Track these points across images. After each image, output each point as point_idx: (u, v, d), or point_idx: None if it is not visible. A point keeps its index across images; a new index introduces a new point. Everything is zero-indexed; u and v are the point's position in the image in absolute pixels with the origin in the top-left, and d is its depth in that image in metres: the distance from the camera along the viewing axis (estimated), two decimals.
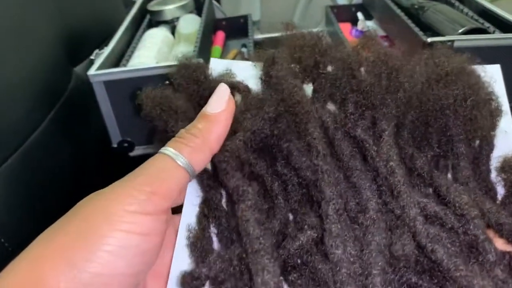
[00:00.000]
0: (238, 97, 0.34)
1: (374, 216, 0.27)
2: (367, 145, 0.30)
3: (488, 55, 0.53)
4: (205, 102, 0.33)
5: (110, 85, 0.55)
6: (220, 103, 0.30)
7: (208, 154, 0.29)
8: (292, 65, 0.33)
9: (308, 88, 0.34)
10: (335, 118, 0.32)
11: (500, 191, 0.32)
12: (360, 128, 0.31)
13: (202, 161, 0.29)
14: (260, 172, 0.31)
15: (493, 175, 0.33)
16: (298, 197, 0.30)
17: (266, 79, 0.34)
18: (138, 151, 0.61)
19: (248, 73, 0.36)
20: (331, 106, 0.34)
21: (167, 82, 0.53)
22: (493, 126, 0.33)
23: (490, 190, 0.32)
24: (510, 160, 0.32)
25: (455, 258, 0.25)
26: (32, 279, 0.22)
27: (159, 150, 0.28)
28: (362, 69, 0.32)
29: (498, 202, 0.32)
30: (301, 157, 0.30)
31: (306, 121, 0.30)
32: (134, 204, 0.24)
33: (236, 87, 0.34)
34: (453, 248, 0.26)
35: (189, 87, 0.33)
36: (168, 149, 0.28)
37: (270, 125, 0.31)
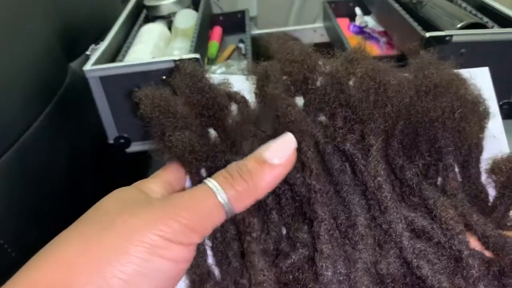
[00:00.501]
0: (235, 107, 0.34)
1: (363, 231, 0.28)
2: (356, 159, 0.31)
3: (486, 50, 0.53)
4: (207, 111, 0.32)
5: (106, 81, 0.55)
6: (283, 154, 0.28)
7: (252, 202, 0.28)
8: (284, 78, 0.34)
9: (300, 101, 0.34)
10: (325, 132, 0.32)
11: (491, 192, 0.32)
12: (349, 142, 0.31)
13: (244, 206, 0.27)
14: None
15: (484, 177, 0.33)
16: (291, 211, 0.31)
17: (261, 94, 0.34)
18: (134, 147, 0.61)
19: (242, 86, 0.36)
20: (322, 118, 0.34)
21: (163, 77, 0.53)
22: (481, 129, 0.33)
23: (481, 193, 0.32)
24: (499, 162, 0.32)
25: (439, 275, 0.25)
26: (62, 285, 0.23)
27: (205, 181, 0.27)
28: (351, 82, 0.32)
29: (489, 203, 0.32)
30: (295, 173, 0.30)
31: (300, 140, 0.30)
32: (169, 233, 0.24)
33: (233, 97, 0.34)
34: (438, 264, 0.26)
35: (193, 96, 0.33)
36: (214, 184, 0.27)
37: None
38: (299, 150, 0.29)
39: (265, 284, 0.26)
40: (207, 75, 0.34)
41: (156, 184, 0.30)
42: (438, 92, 0.32)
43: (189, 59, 0.52)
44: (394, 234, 0.27)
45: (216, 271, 0.30)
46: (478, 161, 0.33)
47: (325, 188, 0.29)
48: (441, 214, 0.28)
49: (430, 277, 0.25)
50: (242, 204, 0.27)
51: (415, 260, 0.26)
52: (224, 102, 0.33)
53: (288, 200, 0.31)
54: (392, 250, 0.27)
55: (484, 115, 0.33)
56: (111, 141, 0.60)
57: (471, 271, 0.25)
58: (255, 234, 0.28)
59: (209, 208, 0.26)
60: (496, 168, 0.32)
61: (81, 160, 0.61)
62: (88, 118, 0.62)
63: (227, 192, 0.26)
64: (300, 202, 0.31)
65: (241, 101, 0.34)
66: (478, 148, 0.33)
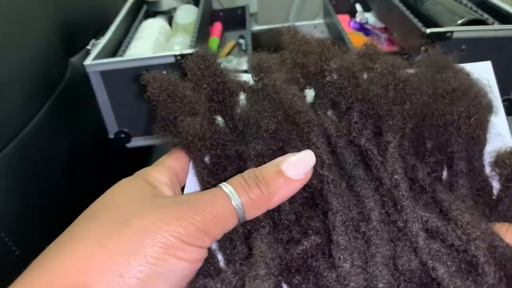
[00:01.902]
0: (243, 96, 0.34)
1: (378, 226, 0.27)
2: (372, 155, 0.30)
3: (486, 46, 0.53)
4: (217, 96, 0.32)
5: (107, 75, 0.55)
6: (301, 170, 0.27)
7: (264, 211, 0.27)
8: (294, 70, 0.33)
9: (309, 93, 0.34)
10: (337, 126, 0.32)
11: (495, 185, 0.32)
12: (364, 137, 0.31)
13: (255, 215, 0.27)
14: None
15: (487, 170, 0.33)
16: (301, 200, 0.30)
17: (262, 88, 0.33)
18: (135, 142, 0.61)
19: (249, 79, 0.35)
20: (330, 113, 0.33)
21: (164, 72, 0.53)
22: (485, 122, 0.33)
23: (485, 186, 0.32)
24: (503, 155, 0.32)
25: (456, 279, 0.25)
26: (79, 285, 0.22)
27: (221, 185, 0.27)
28: (365, 76, 0.32)
29: (494, 197, 0.32)
30: None
31: (308, 130, 0.29)
32: (185, 235, 0.24)
33: (242, 86, 0.34)
34: (453, 267, 0.26)
35: (204, 78, 0.32)
36: (230, 189, 0.27)
37: (270, 139, 0.31)
38: (308, 140, 0.29)
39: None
40: (219, 60, 0.33)
41: (161, 173, 0.30)
42: (456, 96, 0.31)
43: (189, 55, 0.52)
44: (410, 233, 0.27)
45: (220, 256, 0.30)
46: (481, 154, 0.33)
47: (338, 180, 0.29)
48: (457, 218, 0.27)
49: (446, 280, 0.25)
50: (255, 212, 0.27)
51: (431, 261, 0.25)
52: (234, 89, 0.33)
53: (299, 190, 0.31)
54: (406, 247, 0.27)
55: (488, 109, 0.33)
56: (111, 136, 0.60)
57: (487, 278, 0.25)
58: (263, 230, 0.28)
59: (223, 212, 0.26)
60: (500, 161, 0.32)
61: (81, 155, 0.61)
62: (88, 113, 0.62)
63: (241, 198, 0.26)
64: (311, 193, 0.30)
65: (250, 91, 0.34)
66: (481, 141, 0.33)
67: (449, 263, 0.26)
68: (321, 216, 0.29)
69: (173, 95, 0.31)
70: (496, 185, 0.32)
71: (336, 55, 0.33)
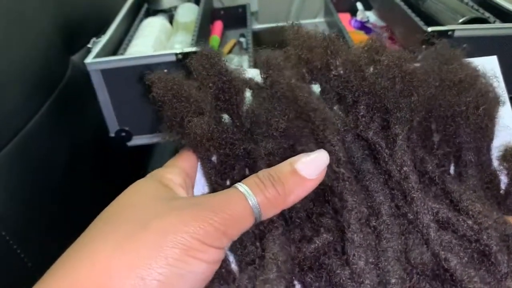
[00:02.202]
0: (249, 93, 0.34)
1: (388, 220, 0.27)
2: (380, 148, 0.30)
3: (488, 45, 0.53)
4: (224, 95, 0.32)
5: (108, 74, 0.55)
6: (315, 170, 0.27)
7: (279, 211, 0.27)
8: (299, 66, 0.33)
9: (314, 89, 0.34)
10: (344, 121, 0.32)
11: (503, 179, 0.32)
12: (372, 130, 0.30)
13: (271, 214, 0.27)
14: None
15: (495, 164, 0.33)
16: (312, 196, 0.30)
17: (272, 85, 0.33)
18: (136, 140, 0.61)
19: (254, 74, 0.35)
20: (336, 109, 0.33)
21: (165, 70, 0.53)
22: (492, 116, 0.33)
23: (493, 179, 0.32)
24: (511, 149, 0.32)
25: (469, 269, 0.25)
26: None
27: (236, 185, 0.27)
28: (371, 69, 0.32)
29: (502, 191, 0.32)
30: None
31: (324, 128, 0.29)
32: (204, 236, 0.24)
33: (248, 83, 0.33)
34: (466, 258, 0.26)
35: (210, 77, 0.32)
36: (246, 189, 0.26)
37: (280, 137, 0.30)
38: (324, 138, 0.29)
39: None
40: (223, 58, 0.33)
41: (174, 174, 0.30)
42: (463, 87, 0.31)
43: (190, 53, 0.52)
44: (421, 225, 0.27)
45: (231, 257, 0.30)
46: (489, 148, 0.33)
47: (353, 177, 0.29)
48: (469, 208, 0.27)
49: (459, 271, 0.25)
50: (271, 212, 0.27)
51: (443, 253, 0.25)
52: (240, 86, 0.32)
53: None
54: (417, 240, 0.27)
55: (495, 102, 0.33)
56: (112, 134, 0.60)
57: (500, 267, 0.25)
58: (276, 232, 0.28)
59: (240, 212, 0.26)
60: (508, 155, 0.32)
61: (81, 153, 0.61)
62: (89, 111, 0.62)
63: (257, 198, 0.26)
64: (321, 190, 0.30)
65: (256, 87, 0.34)
66: (489, 131, 0.33)
67: (461, 253, 0.26)
68: (332, 213, 0.29)
69: (178, 95, 0.31)
70: (504, 180, 0.32)
71: (342, 49, 0.33)
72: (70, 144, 0.58)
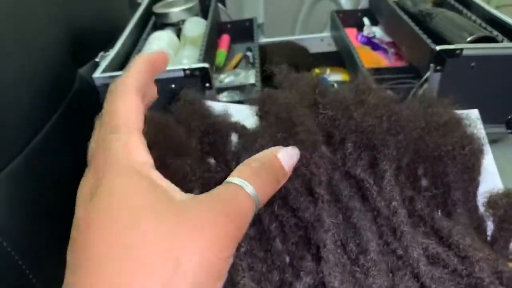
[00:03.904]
0: (235, 137, 0.34)
1: (375, 257, 0.28)
2: (368, 185, 0.31)
3: (497, 64, 0.53)
4: (207, 138, 0.33)
5: None
6: (290, 161, 0.28)
7: (273, 193, 0.27)
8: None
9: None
10: (331, 159, 0.32)
11: (489, 225, 0.33)
12: (360, 167, 0.31)
13: (267, 199, 0.27)
14: (258, 212, 0.30)
15: (481, 210, 0.34)
16: (295, 239, 0.30)
17: (265, 113, 0.34)
18: None
19: (244, 114, 0.36)
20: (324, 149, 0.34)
21: (173, 86, 0.53)
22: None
23: (481, 224, 0.32)
24: (496, 196, 0.33)
25: None
26: None
27: (228, 180, 0.26)
28: (358, 109, 0.33)
29: (488, 237, 0.32)
30: (299, 197, 0.30)
31: (314, 150, 0.30)
32: (224, 252, 0.22)
33: (233, 127, 0.35)
34: None
35: (193, 122, 0.34)
36: (243, 182, 0.25)
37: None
38: (310, 160, 0.29)
39: None
40: (207, 103, 0.34)
41: (142, 146, 0.26)
42: (448, 128, 0.33)
43: (198, 69, 0.52)
44: (411, 259, 0.27)
45: None
46: (475, 195, 0.34)
47: (333, 214, 0.29)
48: (459, 242, 0.27)
49: None
50: (267, 196, 0.26)
51: (434, 286, 0.25)
52: (224, 130, 0.34)
53: (291, 227, 0.31)
54: (406, 277, 0.27)
55: (479, 143, 0.34)
56: None
57: None
58: (242, 249, 0.28)
59: (246, 207, 0.24)
60: (492, 201, 0.33)
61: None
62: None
63: (254, 185, 0.25)
64: (304, 229, 0.30)
65: (242, 131, 0.35)
66: (475, 182, 0.34)
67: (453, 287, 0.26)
68: (315, 252, 0.29)
69: (168, 136, 0.32)
70: (490, 225, 0.33)
71: (329, 89, 0.34)
72: (77, 157, 0.58)
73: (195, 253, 0.21)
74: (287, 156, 0.28)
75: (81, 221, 0.25)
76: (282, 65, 0.36)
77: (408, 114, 0.32)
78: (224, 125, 0.34)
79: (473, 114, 0.38)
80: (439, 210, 0.33)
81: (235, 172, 0.26)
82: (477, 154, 0.33)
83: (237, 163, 0.32)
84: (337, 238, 0.28)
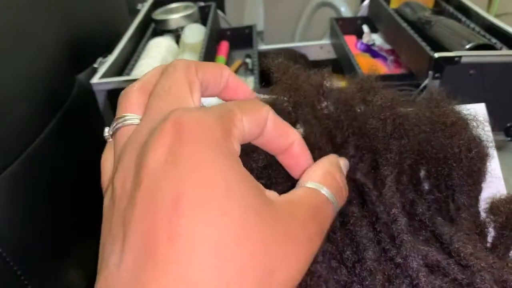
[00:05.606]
0: None
1: (371, 266, 0.27)
2: (367, 189, 0.30)
3: (495, 71, 0.53)
4: None
5: (113, 94, 0.55)
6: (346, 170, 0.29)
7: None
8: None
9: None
10: None
11: (491, 231, 0.32)
12: (360, 171, 0.30)
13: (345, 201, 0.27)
14: None
15: (482, 216, 0.33)
16: None
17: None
18: None
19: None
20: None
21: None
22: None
23: (483, 230, 0.32)
24: (498, 202, 0.32)
25: None
26: None
27: (313, 188, 0.24)
28: (362, 109, 0.32)
29: (489, 243, 0.32)
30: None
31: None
32: (308, 264, 0.22)
33: None
34: None
35: None
36: (327, 192, 0.24)
37: (258, 173, 0.30)
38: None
39: None
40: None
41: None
42: (455, 130, 0.31)
43: None
44: (410, 270, 0.26)
45: None
46: (477, 200, 0.33)
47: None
48: (460, 250, 0.26)
49: None
50: (344, 199, 0.27)
51: None
52: None
53: None
54: (403, 285, 0.26)
55: (486, 147, 0.33)
56: None
57: None
58: None
59: (329, 214, 0.25)
60: (494, 207, 0.31)
61: (86, 172, 0.61)
62: (94, 130, 0.62)
63: (330, 189, 0.25)
64: None
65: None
66: (479, 187, 0.33)
67: None
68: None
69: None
70: (491, 232, 0.32)
71: (333, 87, 0.33)
72: (76, 162, 0.58)
73: (289, 268, 0.20)
74: (344, 166, 0.28)
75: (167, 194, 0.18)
76: (279, 59, 0.35)
77: (413, 117, 0.31)
78: None
79: (480, 109, 0.36)
80: (442, 215, 0.32)
81: (316, 175, 0.25)
82: (484, 157, 0.32)
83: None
84: (333, 245, 0.27)
